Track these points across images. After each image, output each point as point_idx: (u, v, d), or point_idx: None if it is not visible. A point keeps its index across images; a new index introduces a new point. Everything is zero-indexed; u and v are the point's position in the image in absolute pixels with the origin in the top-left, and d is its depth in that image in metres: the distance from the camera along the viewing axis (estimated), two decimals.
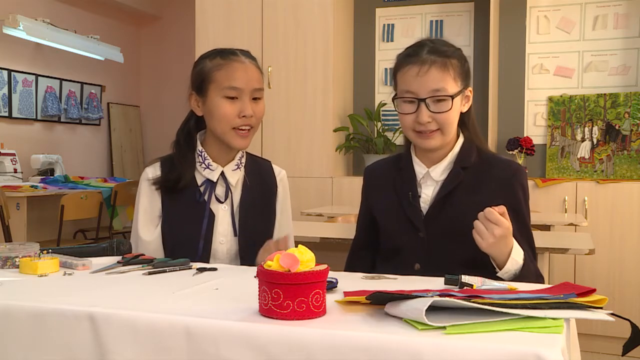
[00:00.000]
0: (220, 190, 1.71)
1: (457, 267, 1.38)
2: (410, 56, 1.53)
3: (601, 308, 1.06)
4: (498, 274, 1.40)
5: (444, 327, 0.92)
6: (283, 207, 1.82)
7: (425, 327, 0.92)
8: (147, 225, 1.70)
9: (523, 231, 1.53)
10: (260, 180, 1.77)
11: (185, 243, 1.65)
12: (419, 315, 0.93)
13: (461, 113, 1.58)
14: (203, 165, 1.70)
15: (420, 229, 1.55)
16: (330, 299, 1.12)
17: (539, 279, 1.46)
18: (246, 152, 1.78)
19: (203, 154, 1.70)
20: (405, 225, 1.58)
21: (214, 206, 1.70)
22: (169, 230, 1.69)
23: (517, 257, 1.40)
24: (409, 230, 1.57)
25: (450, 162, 1.57)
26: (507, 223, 1.34)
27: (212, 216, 1.69)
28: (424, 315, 0.92)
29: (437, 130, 1.52)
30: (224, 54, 1.67)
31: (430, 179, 1.58)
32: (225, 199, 1.71)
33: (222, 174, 1.70)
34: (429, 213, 1.56)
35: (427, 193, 1.58)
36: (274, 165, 1.84)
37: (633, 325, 1.12)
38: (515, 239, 1.45)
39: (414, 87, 1.50)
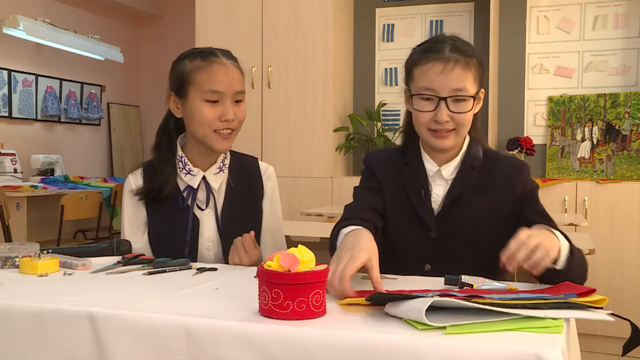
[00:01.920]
0: (202, 195, 1.67)
1: (468, 268, 1.34)
2: (432, 52, 1.47)
3: (601, 308, 1.06)
4: (557, 267, 1.26)
5: (444, 327, 0.92)
6: (271, 204, 1.78)
7: (425, 327, 0.92)
8: (134, 233, 1.69)
9: (542, 211, 1.49)
10: (245, 181, 1.73)
11: (172, 250, 1.61)
12: (419, 315, 0.93)
13: None
14: (184, 171, 1.66)
15: (432, 228, 1.52)
16: (331, 299, 1.12)
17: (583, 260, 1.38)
18: (231, 151, 1.74)
19: (183, 159, 1.66)
20: (415, 224, 1.53)
21: (198, 212, 1.67)
22: (155, 238, 1.67)
23: (563, 245, 1.28)
24: (419, 230, 1.53)
25: (459, 162, 1.55)
26: (524, 235, 1.19)
27: (196, 222, 1.66)
28: (423, 315, 0.92)
29: (452, 130, 1.48)
30: (204, 55, 1.62)
31: (440, 178, 1.55)
32: (207, 205, 1.67)
33: (204, 178, 1.67)
34: (441, 212, 1.52)
35: (437, 192, 1.54)
36: (260, 163, 1.79)
37: (633, 325, 1.12)
38: (539, 221, 1.41)
39: (436, 84, 1.45)
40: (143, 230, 1.69)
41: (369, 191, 1.59)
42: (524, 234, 1.19)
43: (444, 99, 1.45)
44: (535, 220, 1.46)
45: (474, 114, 1.55)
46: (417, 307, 0.94)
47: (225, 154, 1.71)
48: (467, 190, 1.52)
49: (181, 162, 1.67)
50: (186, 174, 1.66)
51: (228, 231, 1.65)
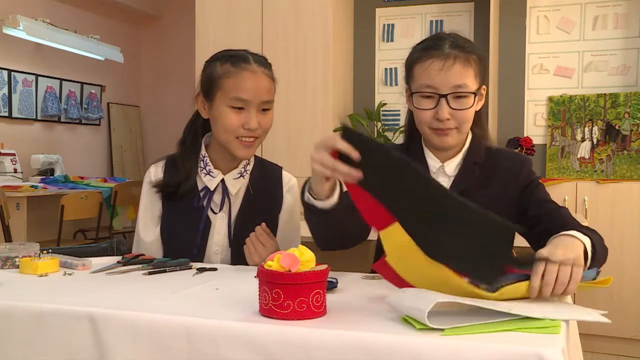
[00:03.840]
0: (218, 198, 1.66)
1: None
2: (431, 49, 1.46)
3: (602, 312, 1.06)
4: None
5: (442, 330, 0.92)
6: (289, 218, 1.73)
7: (423, 327, 0.92)
8: (147, 225, 1.68)
9: (547, 199, 1.50)
10: (265, 190, 1.70)
11: (181, 249, 1.60)
12: (421, 316, 0.93)
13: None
14: (204, 171, 1.65)
15: None
16: (337, 300, 1.12)
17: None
18: (256, 156, 1.73)
19: (205, 159, 1.66)
20: None
21: (212, 214, 1.65)
22: (166, 234, 1.66)
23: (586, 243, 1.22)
24: None
25: (462, 158, 1.54)
26: (545, 252, 1.12)
27: (208, 224, 1.64)
28: (425, 317, 0.92)
29: (454, 128, 1.47)
30: (236, 61, 1.59)
31: (442, 175, 1.54)
32: (222, 209, 1.65)
33: (223, 181, 1.65)
34: None
35: None
36: (284, 173, 1.77)
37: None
38: (547, 207, 1.45)
39: (436, 81, 1.44)
40: (157, 223, 1.68)
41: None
42: (541, 257, 1.10)
43: (445, 96, 1.44)
44: (543, 212, 1.47)
45: (478, 111, 1.55)
46: (419, 308, 0.94)
47: (249, 159, 1.69)
48: (470, 185, 1.51)
49: (203, 161, 1.66)
50: (206, 174, 1.65)
51: (238, 238, 1.62)
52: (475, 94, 1.46)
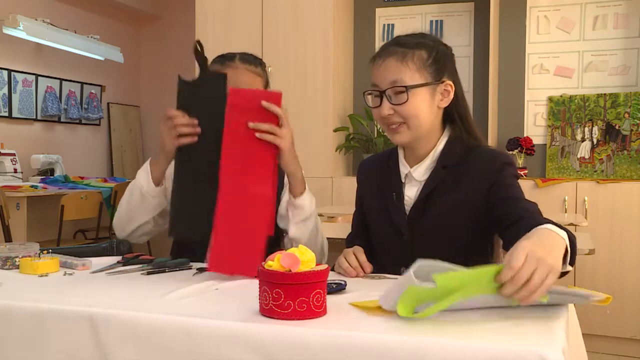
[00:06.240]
0: None
1: None
2: (380, 50, 1.52)
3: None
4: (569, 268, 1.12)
5: (425, 314, 0.95)
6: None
7: (408, 315, 0.97)
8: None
9: (514, 195, 1.41)
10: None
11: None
12: (392, 305, 0.97)
13: (447, 109, 1.50)
14: None
15: (404, 232, 1.50)
16: (337, 300, 1.12)
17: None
18: None
19: None
20: (390, 227, 1.53)
21: None
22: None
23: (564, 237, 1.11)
24: (393, 233, 1.52)
25: (432, 161, 1.51)
26: (516, 260, 0.97)
27: None
28: (396, 305, 0.96)
29: (402, 124, 1.46)
30: (223, 60, 1.73)
31: (413, 180, 1.53)
32: None
33: None
34: (411, 215, 1.50)
35: (410, 195, 1.52)
36: None
37: None
38: (516, 204, 1.36)
39: (376, 79, 1.50)
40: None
41: (357, 211, 1.71)
42: (516, 257, 0.97)
43: (384, 92, 1.47)
44: (508, 209, 1.37)
45: (450, 109, 1.50)
46: (401, 283, 0.97)
47: None
48: (437, 190, 1.48)
49: None
50: None
51: None
52: (408, 87, 1.43)
